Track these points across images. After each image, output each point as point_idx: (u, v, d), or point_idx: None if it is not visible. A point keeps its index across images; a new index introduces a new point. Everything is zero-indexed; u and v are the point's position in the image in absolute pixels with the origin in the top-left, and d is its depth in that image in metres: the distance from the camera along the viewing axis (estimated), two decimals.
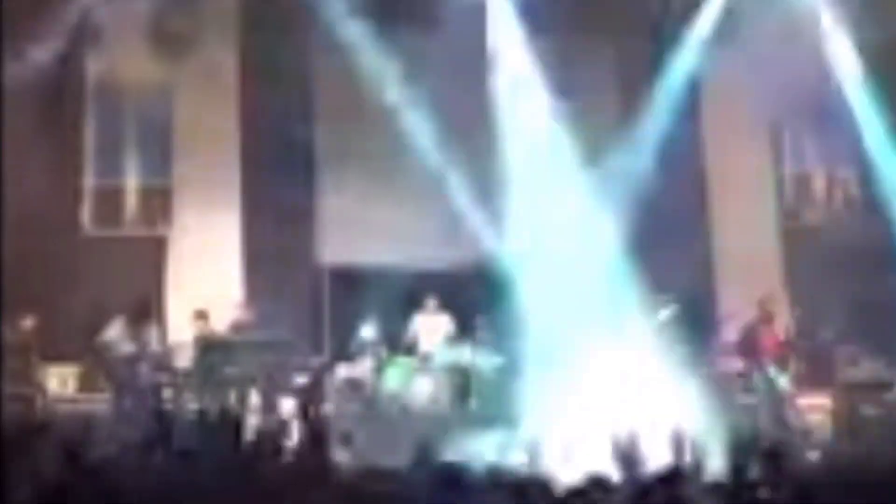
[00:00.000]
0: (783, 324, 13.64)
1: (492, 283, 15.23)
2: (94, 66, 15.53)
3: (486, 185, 15.62)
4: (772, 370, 13.46)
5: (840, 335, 13.57)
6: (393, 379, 14.46)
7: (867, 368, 13.69)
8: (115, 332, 13.46)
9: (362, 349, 14.75)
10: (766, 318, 13.68)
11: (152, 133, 15.59)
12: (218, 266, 15.19)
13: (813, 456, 9.43)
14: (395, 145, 15.72)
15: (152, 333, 13.63)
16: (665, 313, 13.75)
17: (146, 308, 13.67)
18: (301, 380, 13.89)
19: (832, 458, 11.11)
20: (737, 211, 15.67)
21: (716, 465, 7.15)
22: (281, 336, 13.68)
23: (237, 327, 13.84)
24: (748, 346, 13.68)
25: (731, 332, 14.24)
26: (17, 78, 14.19)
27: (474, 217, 15.49)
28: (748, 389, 13.73)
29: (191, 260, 15.24)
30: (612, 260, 15.62)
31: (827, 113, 15.52)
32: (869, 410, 13.41)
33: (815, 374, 13.81)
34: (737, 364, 14.07)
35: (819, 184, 16.02)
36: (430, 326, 14.86)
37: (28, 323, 13.59)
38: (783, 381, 13.43)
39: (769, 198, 15.84)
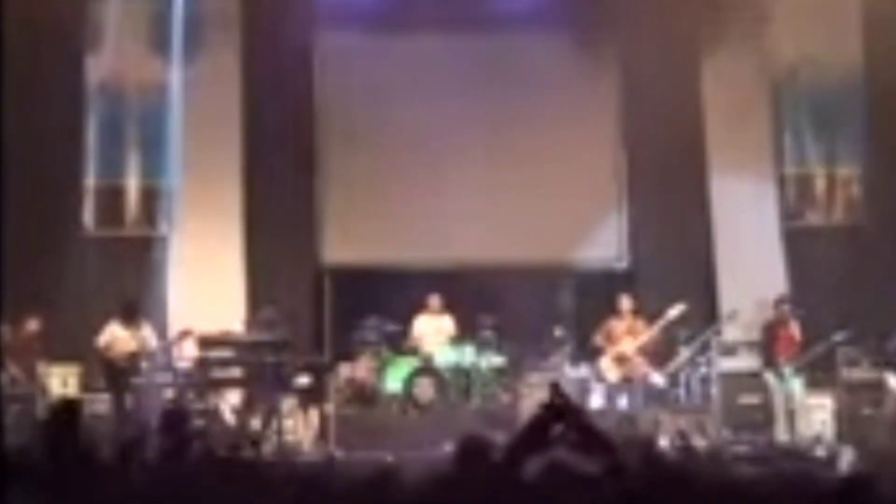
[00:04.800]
0: (798, 325, 13.64)
1: (494, 282, 15.26)
2: (94, 66, 15.52)
3: (487, 186, 15.66)
4: (787, 371, 13.46)
5: (853, 338, 13.55)
6: (394, 379, 14.44)
7: (869, 369, 13.68)
8: (111, 334, 13.44)
9: (363, 349, 14.75)
10: (783, 318, 13.70)
11: (153, 132, 15.56)
12: (219, 266, 15.17)
13: None
14: (396, 146, 15.74)
15: (150, 334, 13.61)
16: (674, 312, 13.76)
17: (135, 309, 13.64)
18: (302, 380, 13.87)
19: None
20: (738, 211, 15.66)
21: None
22: (281, 336, 13.65)
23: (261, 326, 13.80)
24: (765, 346, 13.71)
25: (747, 332, 14.28)
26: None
27: (475, 217, 15.52)
28: (755, 389, 13.72)
29: (192, 259, 15.22)
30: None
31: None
32: (870, 410, 13.41)
33: (818, 374, 13.81)
34: (746, 363, 14.10)
35: (820, 184, 16.00)
36: (433, 326, 14.84)
37: (32, 324, 13.56)
38: (797, 384, 13.43)
39: (770, 198, 15.82)
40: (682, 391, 14.32)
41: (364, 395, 14.44)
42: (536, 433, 5.00)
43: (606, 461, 4.83)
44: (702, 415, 13.75)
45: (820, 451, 12.52)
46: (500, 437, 5.89)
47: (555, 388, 5.31)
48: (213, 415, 13.14)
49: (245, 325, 14.21)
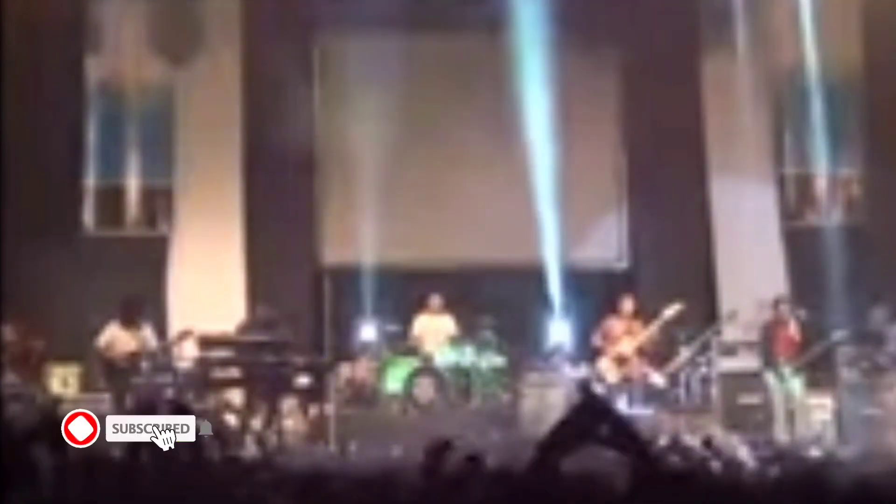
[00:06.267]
0: (798, 325, 13.65)
1: (494, 282, 15.27)
2: (94, 66, 15.52)
3: (487, 185, 15.67)
4: (786, 371, 13.48)
5: (852, 338, 13.56)
6: (394, 379, 14.44)
7: (867, 367, 13.67)
8: (111, 334, 13.44)
9: (363, 349, 14.75)
10: (782, 318, 13.71)
11: (153, 132, 15.57)
12: (219, 266, 15.18)
13: None
14: (396, 146, 15.73)
15: (150, 334, 13.60)
16: (669, 312, 13.77)
17: (135, 309, 13.62)
18: (302, 380, 13.86)
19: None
20: (738, 211, 15.67)
21: None
22: (281, 336, 13.65)
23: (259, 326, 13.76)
24: (764, 346, 13.73)
25: (747, 332, 14.28)
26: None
27: (475, 217, 15.53)
28: (755, 389, 13.72)
29: (192, 260, 15.23)
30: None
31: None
32: (870, 411, 13.40)
33: (818, 374, 13.81)
34: (746, 363, 14.11)
35: (820, 184, 16.02)
36: (433, 326, 14.84)
37: (25, 329, 13.52)
38: (797, 384, 13.45)
39: (770, 198, 15.84)
40: (682, 391, 14.32)
41: (364, 395, 14.44)
42: (568, 430, 4.98)
43: (637, 457, 4.81)
44: (706, 415, 13.72)
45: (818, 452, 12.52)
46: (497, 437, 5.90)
47: (584, 386, 5.30)
48: (214, 415, 13.13)
49: (240, 327, 14.04)
